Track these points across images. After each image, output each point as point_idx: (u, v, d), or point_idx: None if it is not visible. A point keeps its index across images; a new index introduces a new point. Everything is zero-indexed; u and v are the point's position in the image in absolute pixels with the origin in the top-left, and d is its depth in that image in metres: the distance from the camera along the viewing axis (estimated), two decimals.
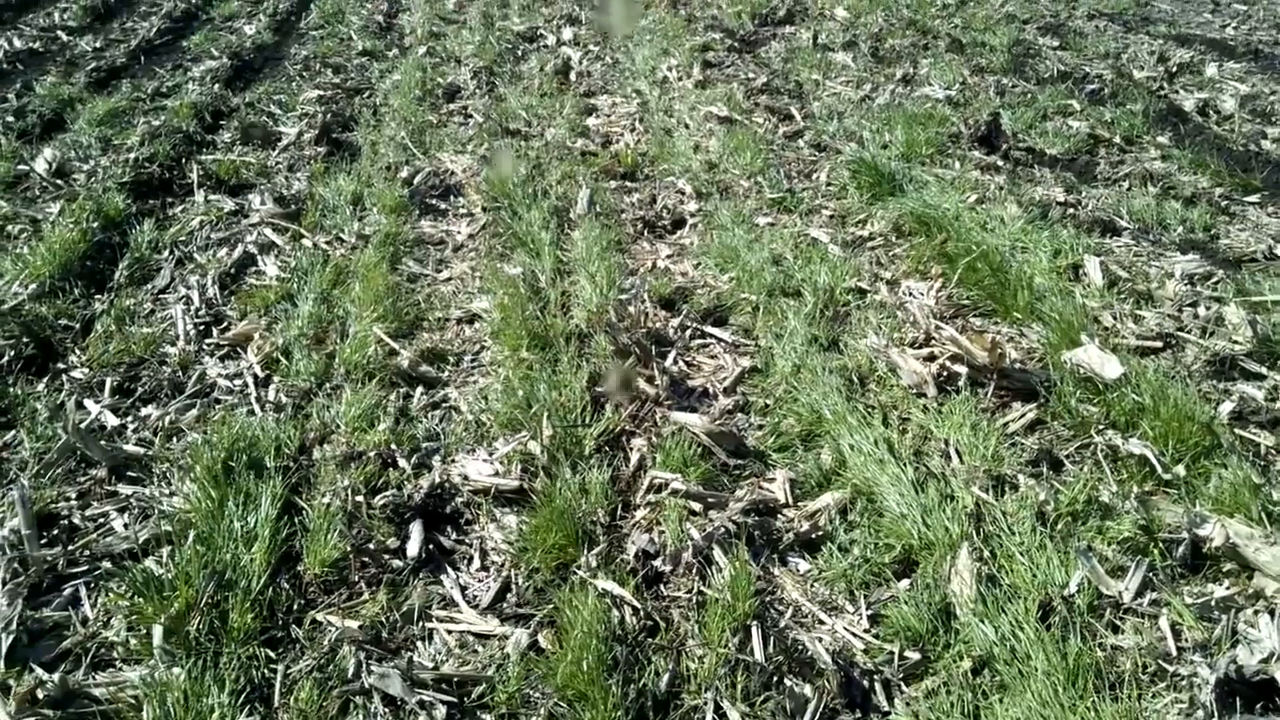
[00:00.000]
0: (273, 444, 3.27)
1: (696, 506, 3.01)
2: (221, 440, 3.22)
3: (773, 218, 5.01)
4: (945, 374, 3.56)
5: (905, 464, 3.08)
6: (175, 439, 3.43)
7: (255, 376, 3.77)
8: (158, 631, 2.55)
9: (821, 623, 2.66)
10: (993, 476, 3.04)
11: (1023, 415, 3.39)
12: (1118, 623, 2.53)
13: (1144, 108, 6.27)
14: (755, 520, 2.94)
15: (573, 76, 7.61)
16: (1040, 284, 4.05)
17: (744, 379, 3.74)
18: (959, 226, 4.55)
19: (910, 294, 4.20)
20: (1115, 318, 3.88)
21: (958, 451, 3.17)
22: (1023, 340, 3.85)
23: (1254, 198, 5.00)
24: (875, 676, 2.47)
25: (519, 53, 8.36)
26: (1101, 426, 3.28)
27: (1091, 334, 3.63)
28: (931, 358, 3.63)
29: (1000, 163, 5.54)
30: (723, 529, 2.88)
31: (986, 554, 2.73)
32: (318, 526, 2.91)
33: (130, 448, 3.35)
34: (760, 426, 3.47)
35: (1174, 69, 7.16)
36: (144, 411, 3.61)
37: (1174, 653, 2.43)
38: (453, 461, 3.30)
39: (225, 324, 4.19)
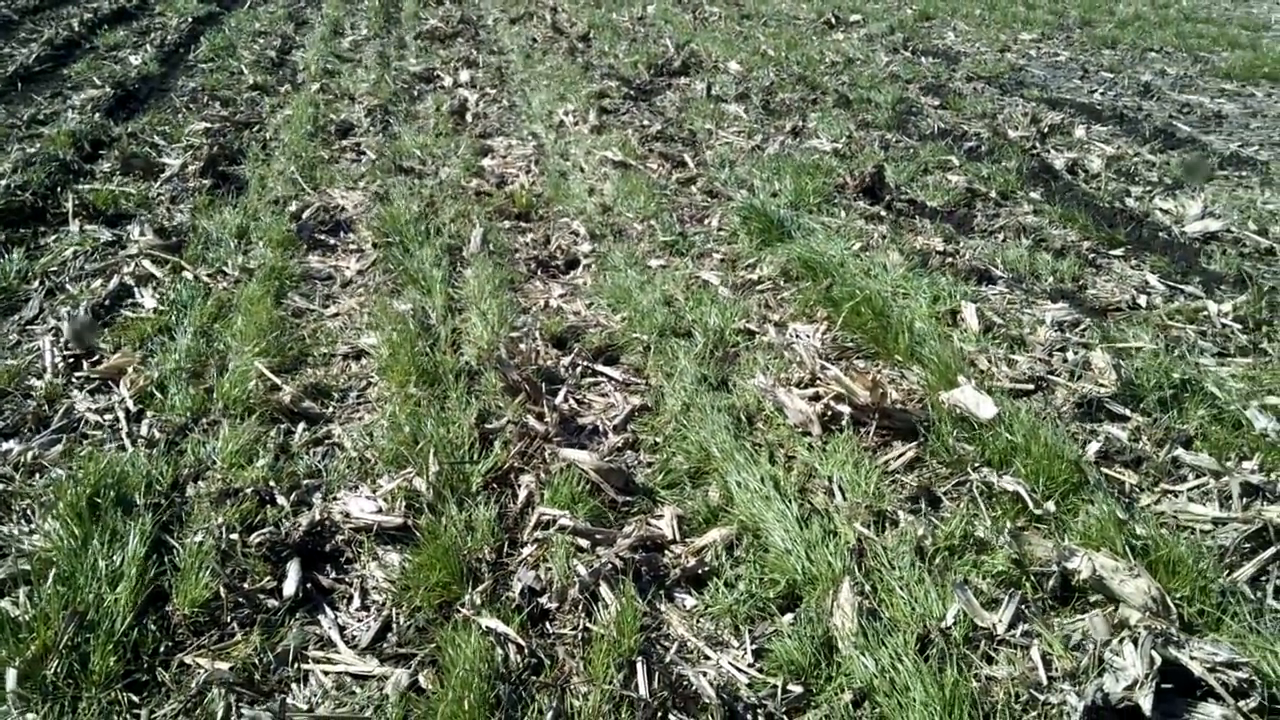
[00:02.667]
0: (143, 480, 3.13)
1: (584, 543, 2.99)
2: (88, 476, 3.07)
3: (665, 260, 5.07)
4: (830, 413, 3.63)
5: (790, 501, 3.12)
6: (38, 475, 3.26)
7: (127, 411, 3.61)
8: (11, 675, 2.40)
9: (707, 658, 2.65)
10: (874, 512, 3.11)
11: (903, 453, 3.48)
12: (992, 654, 2.60)
13: (1018, 165, 6.59)
14: (643, 556, 2.93)
15: (469, 118, 7.62)
16: (920, 328, 4.19)
17: (634, 417, 3.75)
18: (844, 272, 4.68)
19: (797, 336, 4.28)
20: (990, 361, 4.03)
21: (841, 488, 3.23)
22: (904, 381, 3.96)
23: (1119, 251, 5.28)
24: (759, 710, 2.47)
25: (415, 93, 8.34)
26: (977, 464, 3.38)
27: (968, 376, 3.76)
28: (817, 397, 3.71)
29: (884, 213, 5.74)
30: (610, 565, 2.86)
31: (868, 588, 2.78)
32: (188, 565, 2.78)
33: None
34: (649, 464, 3.48)
35: (1046, 130, 7.55)
36: (4, 446, 3.42)
37: (1045, 682, 2.50)
38: (334, 499, 3.21)
39: (97, 356, 4.01)
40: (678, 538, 3.07)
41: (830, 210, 5.71)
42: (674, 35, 10.71)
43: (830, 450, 3.42)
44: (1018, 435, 3.39)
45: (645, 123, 7.53)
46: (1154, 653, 2.42)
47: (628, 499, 3.27)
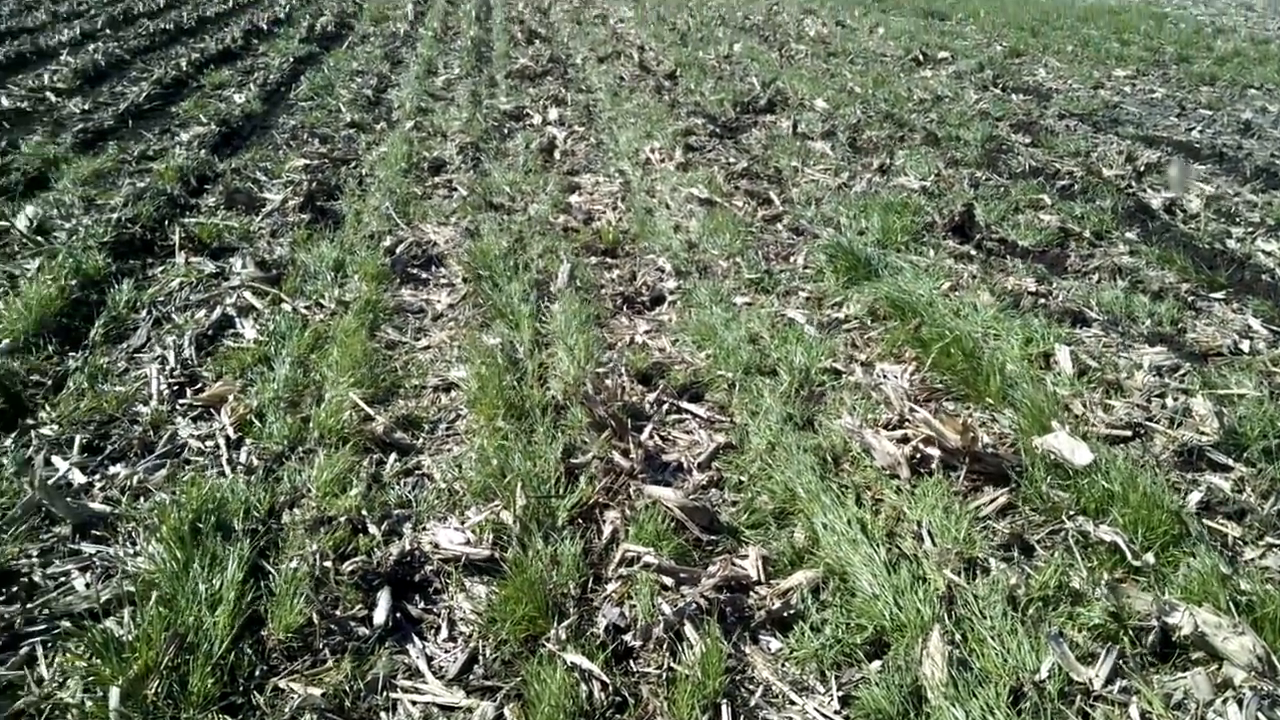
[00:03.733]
0: (242, 506, 3.23)
1: (668, 581, 2.99)
2: (190, 501, 3.18)
3: (750, 297, 5.08)
4: (918, 456, 3.58)
5: (878, 544, 3.08)
6: (143, 498, 3.38)
7: (227, 438, 3.73)
8: (114, 694, 2.48)
9: (792, 703, 2.63)
10: (965, 559, 3.05)
11: (994, 499, 3.41)
12: (1088, 710, 2.52)
13: (1113, 204, 6.46)
14: (727, 597, 2.92)
15: (557, 155, 7.75)
16: (1012, 371, 4.12)
17: (718, 455, 3.75)
18: (933, 312, 4.62)
19: (885, 376, 4.24)
20: (1085, 406, 3.93)
21: (930, 533, 3.17)
22: (994, 425, 3.89)
23: (1219, 294, 5.13)
24: None
25: (505, 130, 8.51)
26: (1072, 512, 3.30)
27: (1062, 421, 3.68)
28: (905, 440, 3.67)
29: (973, 252, 5.67)
30: (694, 605, 2.86)
31: (958, 637, 2.72)
32: (284, 591, 2.86)
33: (96, 506, 3.30)
34: (734, 503, 3.47)
35: (1141, 168, 7.39)
36: (112, 470, 3.57)
37: None
38: (424, 529, 3.26)
39: (200, 384, 4.16)
40: (763, 579, 3.05)
41: (918, 249, 5.66)
42: (760, 73, 10.77)
43: (919, 494, 3.37)
44: (1115, 483, 3.30)
45: (731, 160, 7.57)
46: (1260, 714, 2.33)
47: (712, 538, 3.26)
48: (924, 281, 5.01)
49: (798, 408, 3.93)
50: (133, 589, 2.89)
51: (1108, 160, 7.74)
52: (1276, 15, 17.65)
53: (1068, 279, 5.37)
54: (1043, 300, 4.97)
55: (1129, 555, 3.01)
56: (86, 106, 8.76)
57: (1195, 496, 3.36)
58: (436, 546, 3.15)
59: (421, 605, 2.96)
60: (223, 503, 3.22)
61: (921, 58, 12.14)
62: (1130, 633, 2.75)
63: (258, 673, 2.66)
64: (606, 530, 3.25)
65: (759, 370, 4.25)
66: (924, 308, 4.67)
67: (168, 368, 4.24)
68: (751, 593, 3.01)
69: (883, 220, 5.94)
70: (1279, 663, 2.58)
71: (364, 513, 3.28)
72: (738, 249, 5.62)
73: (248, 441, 3.72)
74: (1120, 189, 6.86)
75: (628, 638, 2.78)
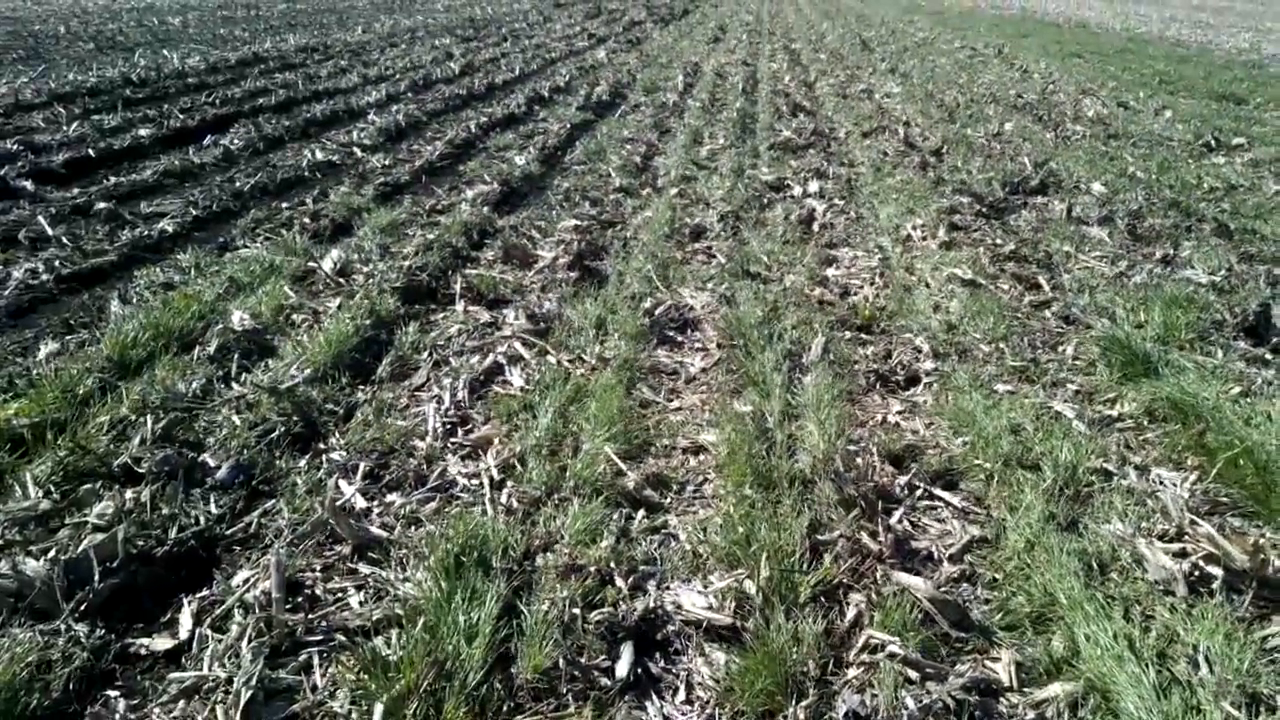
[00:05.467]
0: (501, 545, 3.40)
1: (913, 674, 2.89)
2: (455, 535, 3.39)
3: (1013, 386, 4.87)
4: (1198, 574, 3.30)
5: (1147, 665, 2.85)
6: (414, 527, 3.64)
7: (491, 479, 3.96)
8: (378, 709, 2.66)
9: None
10: (1247, 693, 2.77)
11: None
12: None
13: None
14: (976, 700, 2.78)
15: (815, 227, 7.77)
16: None
17: (972, 548, 3.60)
18: (1219, 418, 4.26)
19: (1162, 483, 3.94)
20: None
21: (1208, 659, 2.90)
22: None
23: None
24: None
25: (765, 201, 8.64)
26: None
27: None
28: (1183, 554, 3.39)
29: (1269, 356, 5.19)
30: (940, 703, 2.74)
31: None
32: (534, 632, 2.99)
33: (375, 530, 3.58)
34: (986, 600, 3.32)
35: None
36: (389, 498, 3.86)
37: None
38: (667, 588, 3.32)
39: (470, 426, 4.44)
40: (1015, 685, 2.89)
41: (1204, 348, 5.24)
42: (1032, 153, 10.39)
43: (1196, 615, 3.10)
44: None
45: (997, 241, 7.33)
46: None
47: (961, 635, 3.12)
48: (1210, 384, 4.64)
49: (1061, 507, 3.72)
50: (400, 612, 3.11)
51: None
52: None
53: None
54: None
55: None
56: (387, 162, 9.65)
57: None
58: (679, 607, 3.20)
59: (662, 664, 3.01)
60: (484, 540, 3.41)
61: (1214, 143, 11.33)
62: None
63: (505, 708, 2.78)
64: (850, 612, 3.19)
65: (1020, 463, 4.06)
66: (1209, 412, 4.32)
67: (443, 407, 4.55)
68: (1002, 699, 2.86)
69: (1164, 315, 5.55)
70: None
71: (612, 565, 3.37)
72: (1001, 334, 5.42)
73: (509, 484, 3.92)
74: None
75: None
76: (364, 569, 3.40)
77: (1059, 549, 3.43)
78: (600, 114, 12.85)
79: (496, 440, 4.24)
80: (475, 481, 3.97)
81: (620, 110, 13.15)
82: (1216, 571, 3.28)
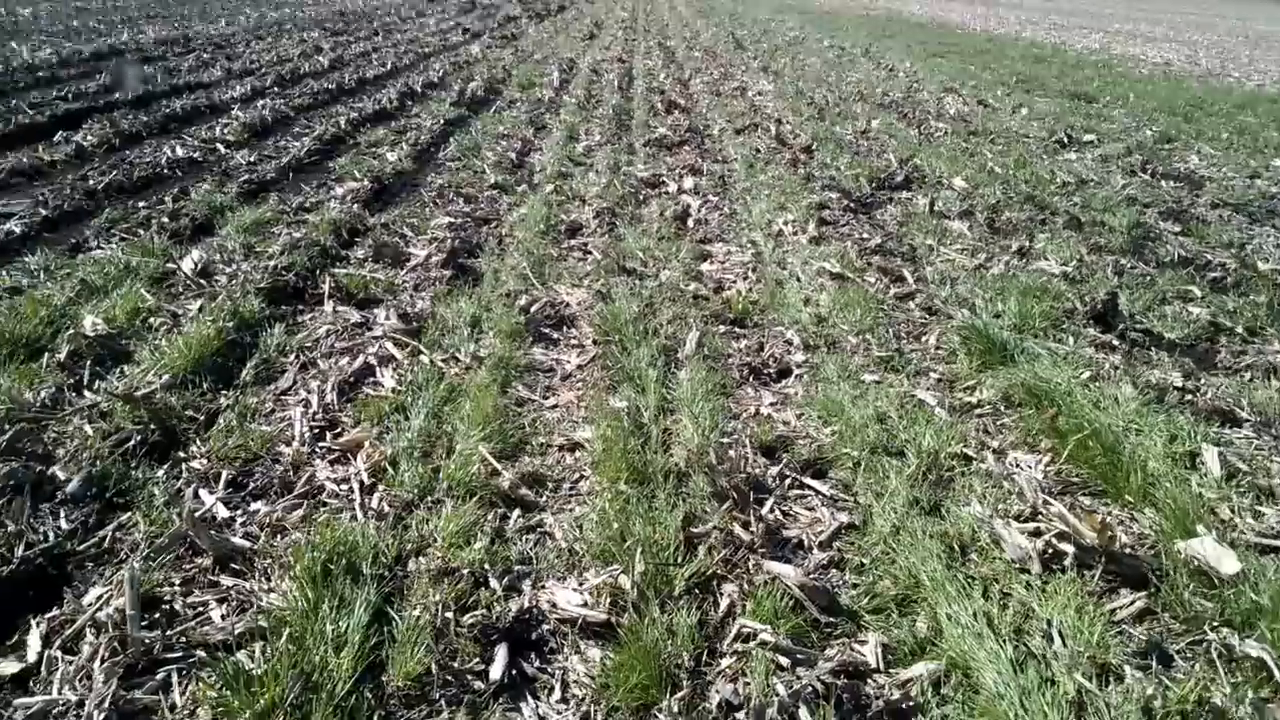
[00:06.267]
0: (371, 551, 3.33)
1: (784, 661, 2.94)
2: (323, 542, 3.30)
3: (879, 376, 5.01)
4: (1051, 551, 3.45)
5: (1005, 641, 2.97)
6: (280, 536, 3.53)
7: (362, 483, 3.87)
8: None
9: None
10: (1097, 664, 2.91)
11: (1132, 603, 3.26)
12: None
13: (1269, 299, 6.17)
14: (845, 683, 2.85)
15: (690, 223, 7.85)
16: (1154, 469, 3.94)
17: (840, 534, 3.69)
18: (1071, 402, 4.48)
19: (1018, 466, 4.12)
20: (1234, 511, 3.73)
21: (1061, 633, 3.03)
22: (1134, 525, 3.73)
23: None
24: None
25: (641, 197, 8.68)
26: (1216, 623, 3.12)
27: (1208, 526, 3.51)
28: (1037, 533, 3.54)
29: (1116, 342, 5.48)
30: (810, 688, 2.80)
31: None
32: (406, 639, 2.93)
33: (237, 540, 3.45)
34: (854, 585, 3.40)
35: None
36: (254, 506, 3.73)
37: None
38: (543, 587, 3.30)
39: (339, 429, 4.33)
40: (882, 667, 2.98)
41: (1057, 336, 5.50)
42: (898, 150, 10.72)
43: (1050, 591, 3.24)
44: (1264, 596, 3.11)
45: (864, 236, 7.54)
46: None
47: (831, 620, 3.20)
48: (1063, 370, 4.86)
49: (925, 492, 3.85)
50: (265, 624, 3.00)
51: (1264, 253, 7.42)
52: None
53: (1217, 375, 5.13)
54: (1189, 396, 4.76)
55: (1277, 674, 2.83)
56: (252, 159, 9.33)
57: None
58: (554, 606, 3.18)
59: (537, 664, 2.99)
60: (353, 546, 3.33)
61: (1066, 140, 11.89)
62: None
63: (376, 717, 2.72)
64: (724, 603, 3.23)
65: (886, 450, 4.18)
66: (1062, 397, 4.53)
67: (311, 411, 4.43)
68: (870, 680, 2.94)
69: (1020, 304, 5.81)
70: None
71: (486, 567, 3.34)
72: (868, 326, 5.58)
73: (380, 488, 3.84)
74: (1277, 284, 6.55)
75: (740, 716, 2.75)
76: (226, 581, 3.28)
77: (922, 532, 3.54)
78: (475, 110, 12.70)
79: (367, 443, 4.14)
80: (345, 486, 3.87)
81: (495, 106, 13.02)
82: (1068, 549, 3.44)
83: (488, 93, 13.98)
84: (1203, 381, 5.00)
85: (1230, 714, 2.71)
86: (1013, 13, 42.60)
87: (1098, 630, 3.04)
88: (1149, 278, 6.64)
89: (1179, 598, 3.23)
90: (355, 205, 7.73)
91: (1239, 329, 5.74)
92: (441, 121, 11.47)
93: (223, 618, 3.11)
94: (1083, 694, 2.76)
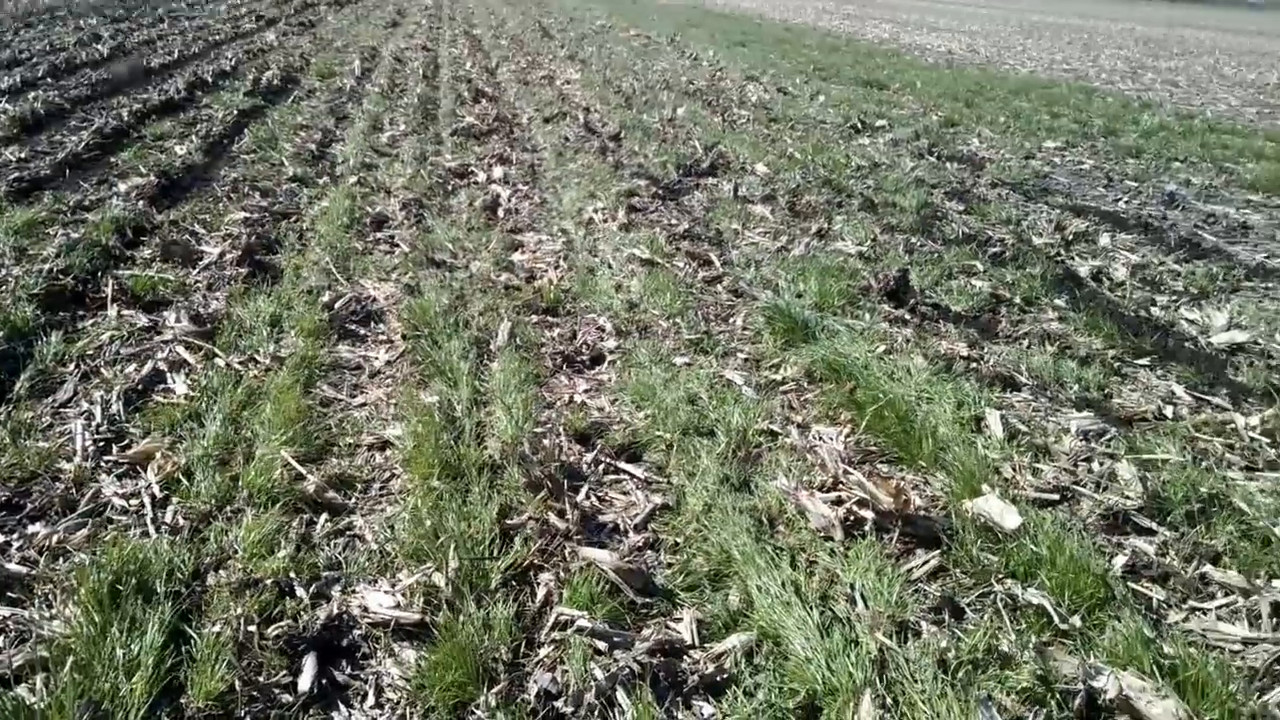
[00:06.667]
0: (165, 568, 3.14)
1: (602, 645, 2.96)
2: (110, 562, 3.09)
3: (690, 358, 5.11)
4: (852, 518, 3.62)
5: (812, 607, 3.09)
6: (62, 559, 3.27)
7: (153, 497, 3.64)
8: None
9: None
10: (896, 622, 3.06)
11: (926, 562, 3.45)
12: None
13: (1043, 271, 6.64)
14: (661, 661, 2.90)
15: (501, 213, 7.78)
16: (944, 434, 4.18)
17: (655, 516, 3.74)
18: (868, 375, 4.70)
19: (820, 438, 4.28)
20: (1015, 469, 4.01)
21: (863, 596, 3.18)
22: (927, 488, 3.94)
23: (1145, 360, 5.29)
24: None
25: (449, 188, 8.53)
26: (1001, 575, 3.34)
27: (992, 485, 3.75)
28: (839, 502, 3.70)
29: (908, 316, 5.78)
30: (627, 670, 2.83)
31: (889, 700, 2.72)
32: (205, 657, 2.78)
33: (12, 567, 3.19)
34: (670, 565, 3.46)
35: (1070, 237, 7.64)
36: (31, 529, 3.45)
37: None
38: (353, 592, 3.20)
39: (126, 441, 4.06)
40: (697, 643, 3.04)
41: (854, 313, 5.76)
42: (703, 137, 10.95)
43: (853, 556, 3.39)
44: (1042, 547, 3.36)
45: (673, 221, 7.66)
46: None
47: (647, 600, 3.24)
48: (860, 345, 5.10)
49: (734, 469, 3.95)
50: (47, 654, 2.79)
51: (1038, 229, 7.99)
52: (1200, 92, 18.44)
53: (999, 344, 5.50)
54: (974, 364, 5.08)
55: (1056, 618, 3.06)
56: (23, 155, 8.59)
57: (1120, 560, 3.43)
58: (365, 610, 3.09)
59: (349, 671, 2.90)
60: (145, 564, 3.13)
61: (860, 125, 12.45)
62: (1057, 696, 2.77)
63: None
64: (540, 593, 3.22)
65: (697, 431, 4.27)
66: (859, 371, 4.75)
67: (94, 423, 4.13)
68: (685, 656, 3.00)
69: (820, 284, 6.05)
70: None
71: (292, 575, 3.20)
72: (678, 310, 5.68)
73: (174, 500, 3.63)
74: (1050, 256, 7.08)
75: (559, 704, 2.74)
76: (3, 611, 3.02)
77: (733, 508, 3.64)
78: (271, 100, 12.15)
79: (158, 454, 3.90)
80: (134, 501, 3.63)
81: (293, 96, 12.51)
82: (868, 515, 3.61)
83: (285, 82, 13.40)
84: (985, 350, 5.34)
85: (1016, 659, 2.91)
86: (809, 2, 44.21)
87: (896, 590, 3.20)
88: (937, 254, 7.04)
89: (968, 554, 3.44)
90: (141, 202, 7.25)
91: (1017, 299, 6.17)
92: (235, 112, 10.92)
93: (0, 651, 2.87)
94: (884, 651, 2.90)
